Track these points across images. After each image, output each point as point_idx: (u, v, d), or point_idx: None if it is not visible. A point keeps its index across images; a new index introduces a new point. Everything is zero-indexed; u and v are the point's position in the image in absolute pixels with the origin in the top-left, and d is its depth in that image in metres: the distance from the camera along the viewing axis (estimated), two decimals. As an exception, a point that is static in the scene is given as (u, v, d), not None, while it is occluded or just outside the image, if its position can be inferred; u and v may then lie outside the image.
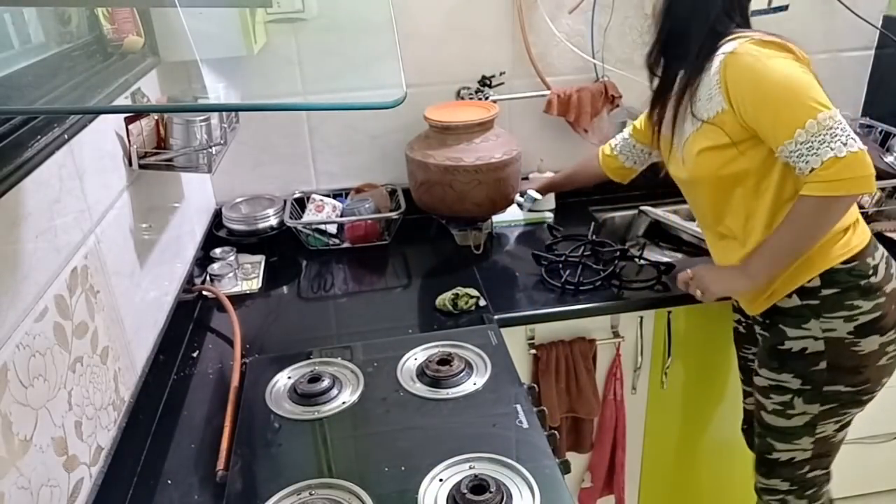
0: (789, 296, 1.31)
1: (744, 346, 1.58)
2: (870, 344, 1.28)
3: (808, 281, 1.28)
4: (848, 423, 1.39)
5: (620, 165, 1.68)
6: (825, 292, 1.27)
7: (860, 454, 1.91)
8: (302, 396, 1.24)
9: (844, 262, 1.26)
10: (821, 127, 1.12)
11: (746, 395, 1.63)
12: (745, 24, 1.29)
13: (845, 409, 1.34)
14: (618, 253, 1.70)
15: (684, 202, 1.89)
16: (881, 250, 1.31)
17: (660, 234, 2.00)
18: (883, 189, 1.73)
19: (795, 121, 1.13)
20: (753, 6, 1.75)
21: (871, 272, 1.26)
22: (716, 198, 1.33)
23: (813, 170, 1.14)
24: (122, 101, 1.28)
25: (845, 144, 1.11)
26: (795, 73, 1.16)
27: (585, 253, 1.73)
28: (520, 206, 1.91)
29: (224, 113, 1.52)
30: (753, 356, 1.50)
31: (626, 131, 1.66)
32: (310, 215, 1.88)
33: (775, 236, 1.25)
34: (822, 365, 1.30)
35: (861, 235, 1.29)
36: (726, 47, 1.22)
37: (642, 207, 1.99)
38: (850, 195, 1.15)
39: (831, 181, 1.13)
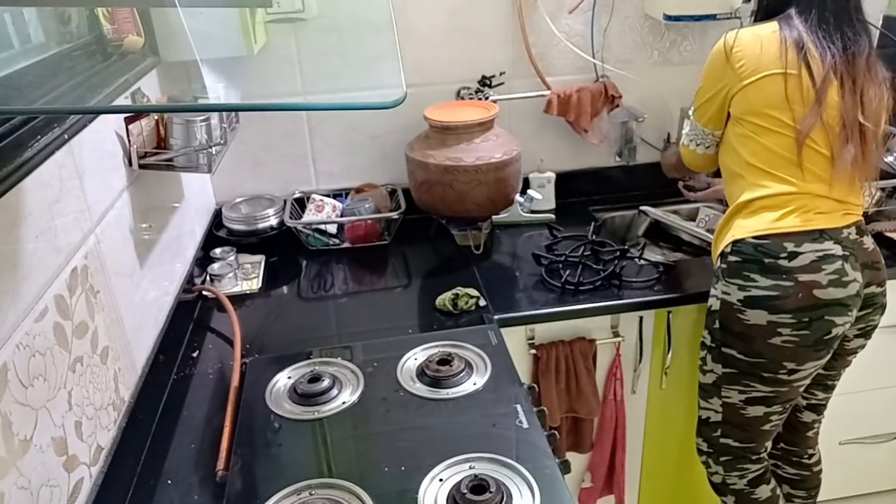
0: (717, 256, 1.43)
1: None
2: (756, 317, 1.33)
3: (725, 246, 1.39)
4: (762, 402, 1.42)
5: None
6: (730, 259, 1.37)
7: (860, 454, 1.91)
8: (302, 396, 1.24)
9: (756, 238, 1.34)
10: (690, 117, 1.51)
11: None
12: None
13: (746, 379, 1.40)
14: (618, 253, 1.70)
15: (684, 202, 1.89)
16: (823, 247, 1.31)
17: (660, 234, 2.00)
18: (883, 189, 1.73)
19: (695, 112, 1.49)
20: (754, 6, 1.76)
21: (781, 254, 1.31)
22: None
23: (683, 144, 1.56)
24: (122, 101, 1.28)
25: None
26: (705, 71, 1.44)
27: (585, 253, 1.73)
28: (520, 205, 1.91)
29: (224, 113, 1.52)
30: None
31: None
32: (310, 215, 1.88)
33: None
34: (717, 325, 1.40)
35: (796, 222, 1.32)
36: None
37: (642, 207, 1.99)
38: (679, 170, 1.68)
39: (686, 159, 1.58)
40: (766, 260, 1.32)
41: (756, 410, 1.43)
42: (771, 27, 1.35)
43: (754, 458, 1.51)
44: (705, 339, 1.45)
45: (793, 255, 1.30)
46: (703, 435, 1.54)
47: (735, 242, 1.36)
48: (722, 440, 1.50)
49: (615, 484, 1.74)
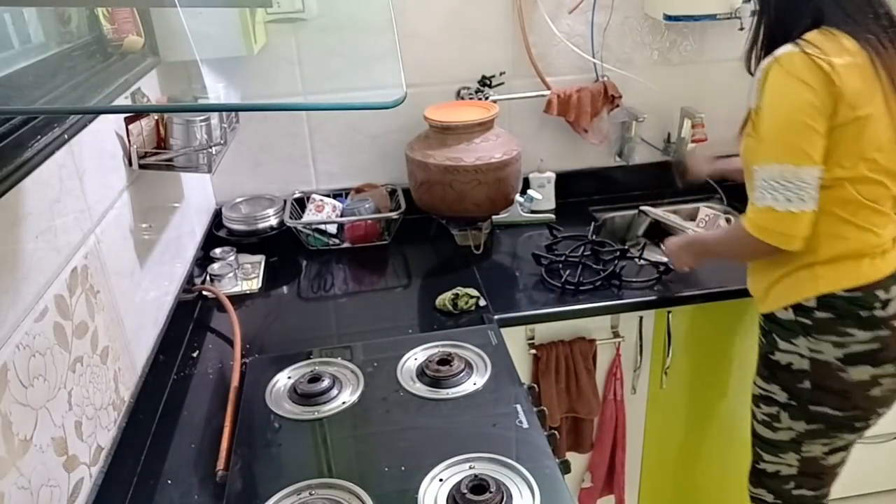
0: (785, 307, 1.29)
1: None
2: (859, 373, 1.25)
3: (805, 300, 1.26)
4: (843, 449, 1.37)
5: None
6: (819, 315, 1.25)
7: (860, 454, 1.90)
8: (302, 396, 1.24)
9: (847, 290, 1.23)
10: (781, 174, 1.17)
11: None
12: (833, 20, 1.19)
13: (835, 432, 1.32)
14: (618, 253, 1.70)
15: (684, 202, 1.88)
16: None
17: (660, 234, 2.00)
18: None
19: (772, 154, 1.19)
20: (753, 6, 1.75)
21: (876, 305, 1.23)
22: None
23: (753, 204, 1.23)
24: (122, 101, 1.28)
25: (790, 201, 1.17)
26: (801, 114, 1.16)
27: (585, 253, 1.73)
28: (520, 205, 1.91)
29: (224, 113, 1.52)
30: None
31: None
32: (310, 215, 1.88)
33: (715, 237, 1.44)
34: (807, 384, 1.29)
35: (878, 267, 1.24)
36: (780, 50, 1.19)
37: (642, 207, 1.99)
38: (765, 243, 1.22)
39: (758, 225, 1.22)
40: (863, 313, 1.22)
41: (836, 458, 1.37)
42: (848, 42, 1.17)
43: (825, 501, 1.45)
44: (775, 395, 1.34)
45: (885, 303, 1.23)
46: (770, 487, 1.44)
47: (822, 297, 1.25)
48: (795, 492, 1.41)
49: (615, 484, 1.74)
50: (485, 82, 1.93)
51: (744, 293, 1.46)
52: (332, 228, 1.90)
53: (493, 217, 1.90)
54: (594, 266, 1.68)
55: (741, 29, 1.77)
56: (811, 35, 1.18)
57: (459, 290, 1.56)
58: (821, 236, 1.23)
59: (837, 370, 1.25)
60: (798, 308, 1.27)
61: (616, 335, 1.61)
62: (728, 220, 1.94)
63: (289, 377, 1.32)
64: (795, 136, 1.16)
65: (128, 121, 1.29)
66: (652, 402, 1.72)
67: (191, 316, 1.59)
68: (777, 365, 1.32)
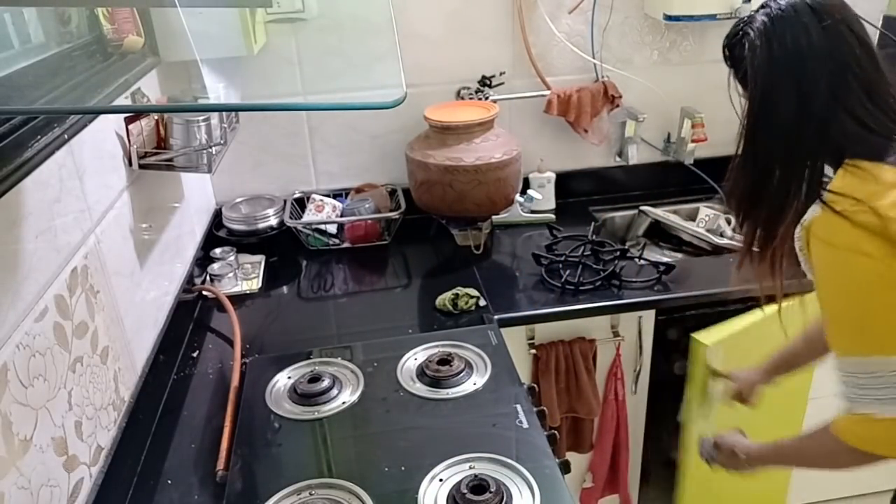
0: None
1: None
2: None
3: None
4: None
5: None
6: None
7: (860, 454, 1.90)
8: (302, 396, 1.24)
9: None
10: (881, 367, 0.89)
11: None
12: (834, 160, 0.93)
13: None
14: (618, 253, 1.70)
15: (684, 202, 1.87)
16: None
17: (660, 233, 2.00)
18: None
19: (854, 346, 0.91)
20: (753, 6, 1.76)
21: None
22: None
23: (852, 410, 0.94)
24: (122, 101, 1.28)
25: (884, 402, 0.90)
26: (876, 297, 0.88)
27: (585, 253, 1.73)
28: (520, 205, 1.91)
29: (224, 113, 1.52)
30: None
31: None
32: (310, 215, 1.88)
33: (787, 446, 1.08)
34: None
35: None
36: (807, 216, 0.92)
37: (642, 207, 1.99)
38: (877, 455, 0.93)
39: (864, 436, 0.93)
40: None
41: None
42: (888, 173, 0.88)
43: None
44: None
45: None
46: None
47: None
48: None
49: (620, 484, 1.74)
50: (485, 82, 1.93)
51: (744, 298, 1.46)
52: (332, 228, 1.90)
53: (493, 217, 1.90)
54: (594, 266, 1.68)
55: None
56: (837, 182, 0.90)
57: (459, 290, 1.56)
58: None
59: None
60: None
61: (616, 335, 1.61)
62: (728, 221, 1.94)
63: (289, 377, 1.32)
64: (870, 320, 0.89)
65: (128, 121, 1.29)
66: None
67: (191, 316, 1.59)
68: None
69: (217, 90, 1.49)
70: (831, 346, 0.94)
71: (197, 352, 1.48)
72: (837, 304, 0.92)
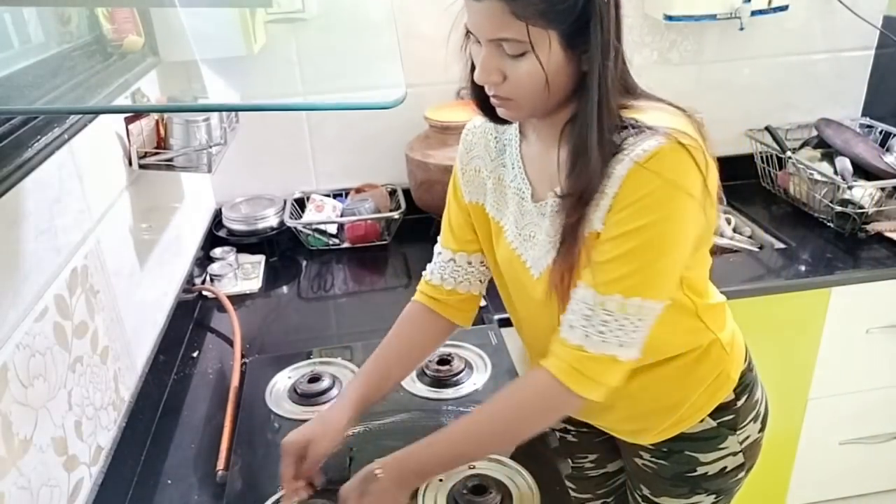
0: (701, 420, 1.08)
1: (577, 455, 1.29)
2: (767, 430, 1.15)
3: (725, 396, 1.07)
4: None
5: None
6: (740, 402, 1.08)
7: (860, 454, 1.90)
8: (302, 396, 1.24)
9: (746, 361, 1.11)
10: (637, 311, 0.85)
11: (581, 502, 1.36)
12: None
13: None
14: (618, 253, 1.70)
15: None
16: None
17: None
18: (883, 189, 1.73)
19: (631, 286, 0.85)
20: (753, 6, 1.75)
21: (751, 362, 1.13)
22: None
23: (580, 346, 0.87)
24: (122, 101, 1.28)
25: (621, 346, 0.86)
26: (679, 242, 0.87)
27: (585, 253, 1.73)
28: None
29: (224, 113, 1.52)
30: (592, 463, 1.29)
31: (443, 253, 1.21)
32: (310, 215, 1.88)
33: (457, 423, 0.95)
34: (742, 474, 1.14)
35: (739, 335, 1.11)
36: (635, 148, 0.85)
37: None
38: (578, 395, 0.88)
39: (575, 368, 0.87)
40: (754, 371, 1.15)
41: None
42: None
43: None
44: (701, 502, 1.16)
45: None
46: None
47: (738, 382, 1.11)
48: None
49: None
50: (485, 82, 1.93)
51: (742, 293, 1.46)
52: (332, 228, 1.90)
53: (493, 217, 1.90)
54: (594, 266, 1.67)
55: (741, 29, 1.78)
56: (656, 115, 0.92)
57: (459, 290, 1.56)
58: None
59: (760, 440, 1.14)
60: (717, 410, 1.07)
61: (616, 335, 1.60)
62: (728, 221, 1.94)
63: (289, 377, 1.31)
64: (662, 264, 0.88)
65: (128, 121, 1.29)
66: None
67: (191, 316, 1.59)
68: (703, 477, 1.12)
69: (217, 90, 1.49)
70: (596, 282, 0.86)
71: (197, 352, 1.48)
72: (638, 237, 0.84)
